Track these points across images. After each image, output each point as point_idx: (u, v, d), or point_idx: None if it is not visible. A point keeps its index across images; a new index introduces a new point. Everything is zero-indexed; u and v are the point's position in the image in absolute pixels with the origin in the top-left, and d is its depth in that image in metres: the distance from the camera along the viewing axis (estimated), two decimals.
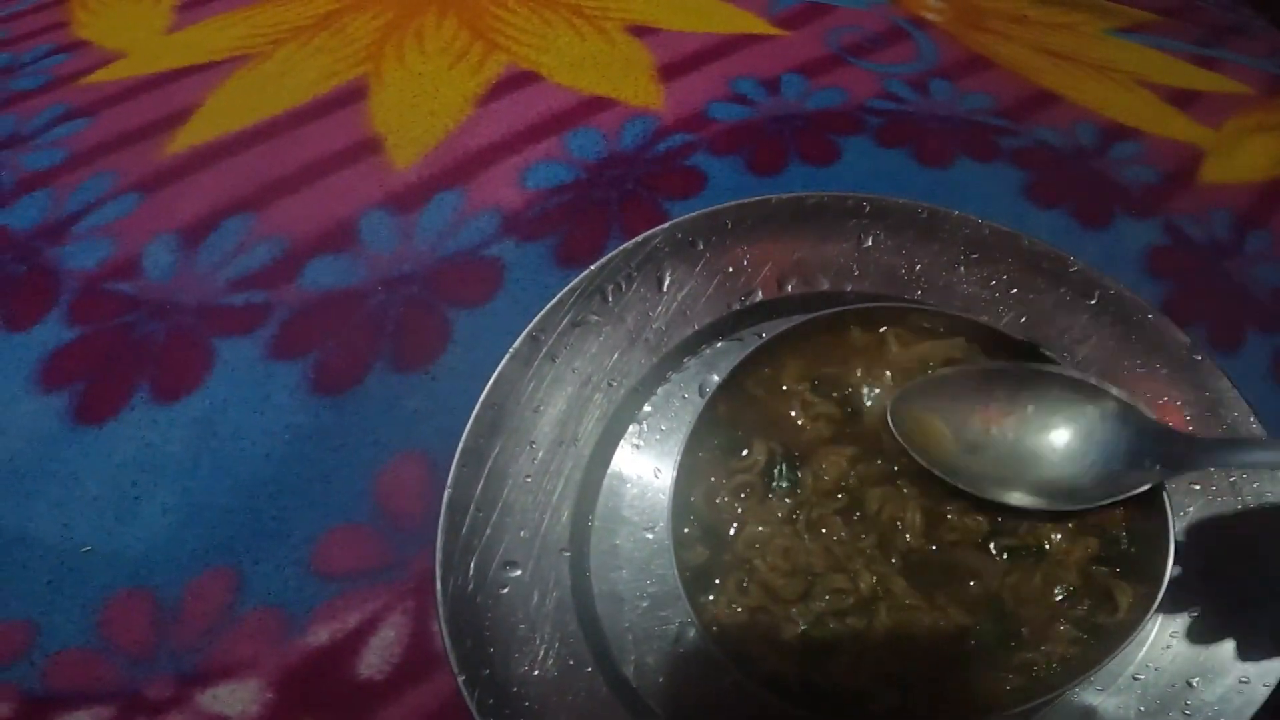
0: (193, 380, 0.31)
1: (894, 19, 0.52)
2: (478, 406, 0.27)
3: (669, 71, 0.44)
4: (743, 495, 0.24)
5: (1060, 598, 0.24)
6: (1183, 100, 0.50)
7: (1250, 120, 0.51)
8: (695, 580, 0.23)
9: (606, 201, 0.36)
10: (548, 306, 0.29)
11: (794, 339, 0.26)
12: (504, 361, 0.28)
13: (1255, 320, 0.38)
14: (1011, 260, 0.34)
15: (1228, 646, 0.26)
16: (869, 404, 0.26)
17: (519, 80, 0.43)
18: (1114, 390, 0.25)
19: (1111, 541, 0.25)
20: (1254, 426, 0.30)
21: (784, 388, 0.26)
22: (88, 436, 0.30)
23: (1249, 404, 0.30)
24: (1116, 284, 0.33)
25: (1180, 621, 0.26)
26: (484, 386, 0.27)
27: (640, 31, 0.46)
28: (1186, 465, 0.23)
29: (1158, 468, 0.23)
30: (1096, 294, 0.33)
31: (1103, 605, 0.24)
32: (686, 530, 0.24)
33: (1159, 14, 0.61)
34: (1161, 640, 0.25)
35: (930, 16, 0.54)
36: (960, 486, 0.24)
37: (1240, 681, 0.25)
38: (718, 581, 0.23)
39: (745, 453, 0.25)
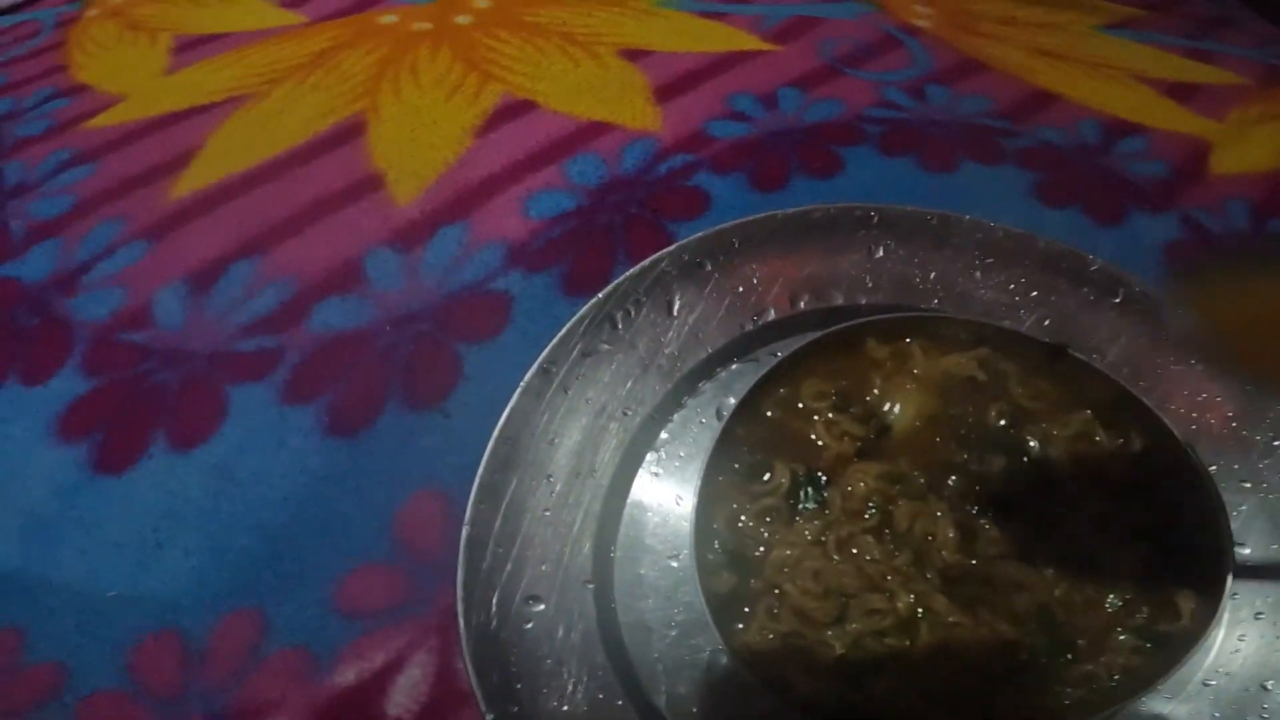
0: (208, 427, 0.32)
1: (884, 27, 0.53)
2: (491, 442, 0.27)
3: (665, 93, 0.45)
4: (768, 519, 0.24)
5: (1116, 607, 0.24)
6: (1182, 93, 0.50)
7: (1253, 111, 0.51)
8: (724, 608, 0.23)
9: (610, 227, 0.37)
10: (557, 338, 0.29)
11: (808, 357, 0.26)
12: (516, 396, 0.28)
13: None
14: (1029, 262, 0.34)
15: None
16: (893, 418, 0.26)
17: (516, 109, 0.44)
18: None
19: (1165, 547, 0.25)
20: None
21: (802, 407, 0.26)
22: (108, 485, 0.30)
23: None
24: (1140, 281, 0.33)
25: (1247, 623, 0.25)
26: (498, 421, 0.27)
27: (633, 55, 0.47)
28: None
29: None
30: (1120, 292, 0.33)
31: (1164, 612, 0.24)
32: (711, 557, 0.24)
33: (1145, 8, 0.62)
34: (1229, 644, 0.25)
35: (919, 23, 0.55)
36: None
37: None
38: (747, 609, 0.23)
39: (767, 476, 0.25)
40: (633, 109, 0.44)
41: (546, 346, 0.30)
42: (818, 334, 0.26)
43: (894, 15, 0.55)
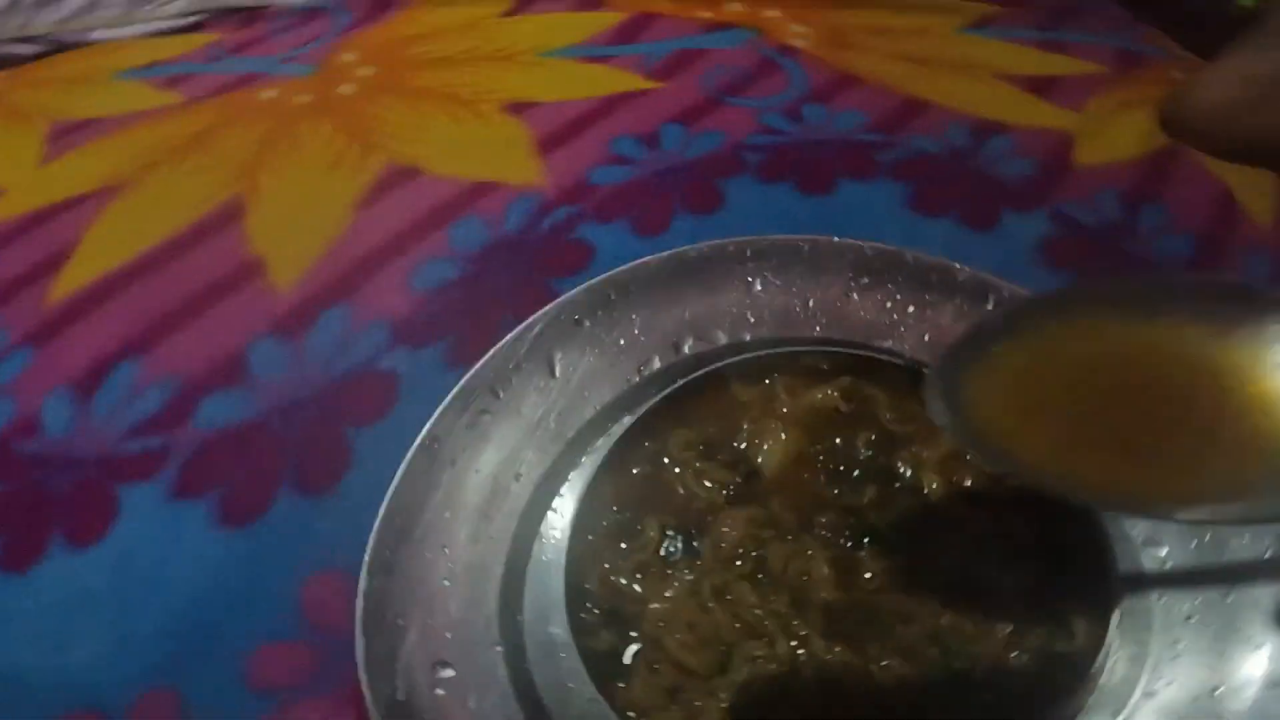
0: (102, 527, 0.33)
1: (763, 51, 0.56)
2: (379, 520, 0.29)
3: (548, 144, 0.46)
4: (639, 575, 0.26)
5: (1008, 630, 0.25)
6: (1041, 87, 0.54)
7: (1111, 98, 0.55)
8: (606, 667, 0.24)
9: (496, 292, 0.38)
10: (437, 413, 0.31)
11: (670, 408, 0.27)
12: (400, 474, 0.30)
13: None
14: (901, 279, 0.36)
15: (1240, 649, 0.25)
16: (762, 461, 0.28)
17: (399, 177, 0.45)
18: None
19: (1051, 564, 0.26)
20: None
21: (668, 459, 0.27)
22: (12, 583, 0.32)
23: None
24: (1008, 284, 0.36)
25: (1179, 628, 0.26)
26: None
27: (518, 109, 0.49)
28: None
29: None
30: (991, 298, 0.36)
31: (1057, 632, 0.25)
32: (586, 618, 0.25)
33: (1001, 3, 0.65)
34: (1167, 652, 0.25)
35: (797, 43, 0.58)
36: (1100, 506, 0.21)
37: (1273, 685, 0.24)
38: (628, 664, 0.25)
39: (637, 531, 0.26)
40: (516, 165, 0.45)
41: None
42: (675, 386, 0.28)
43: (773, 38, 0.58)
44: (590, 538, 0.26)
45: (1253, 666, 0.25)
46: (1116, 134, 0.52)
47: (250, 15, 0.59)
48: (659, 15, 0.59)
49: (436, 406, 0.32)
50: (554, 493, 0.30)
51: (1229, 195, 0.48)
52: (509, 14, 0.59)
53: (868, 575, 0.26)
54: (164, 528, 0.32)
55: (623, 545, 0.26)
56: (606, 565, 0.26)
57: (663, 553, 0.26)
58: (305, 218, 0.43)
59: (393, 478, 0.30)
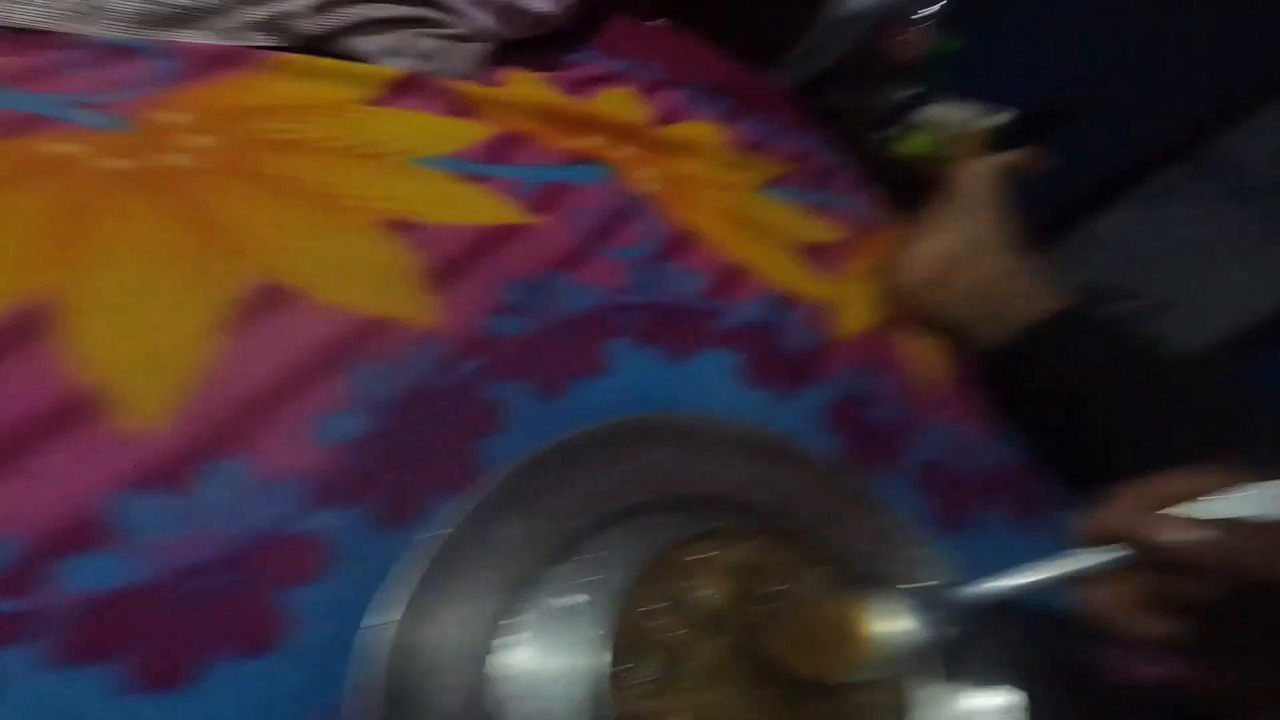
0: None
1: (622, 194, 0.64)
2: (354, 685, 0.33)
3: (439, 278, 0.48)
4: (651, 698, 0.35)
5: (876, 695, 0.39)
6: (814, 256, 0.67)
7: (855, 267, 0.70)
8: None
9: (416, 451, 0.40)
10: (390, 581, 0.35)
11: (644, 571, 0.37)
12: (361, 643, 0.34)
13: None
14: (753, 449, 0.49)
15: (976, 689, 0.42)
16: (711, 604, 0.38)
17: (274, 297, 0.42)
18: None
19: None
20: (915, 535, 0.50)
21: (643, 610, 0.37)
22: None
23: (906, 521, 0.50)
24: (815, 452, 0.51)
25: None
26: (348, 658, 0.33)
27: (400, 227, 0.49)
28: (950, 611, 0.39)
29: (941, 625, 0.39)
30: (807, 464, 0.51)
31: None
32: None
33: (784, 161, 0.80)
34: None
35: (649, 187, 0.67)
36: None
37: (1003, 713, 0.42)
38: None
39: (639, 666, 0.35)
40: (409, 300, 0.46)
41: (379, 586, 0.35)
42: (643, 558, 0.38)
43: (629, 180, 0.66)
44: (600, 675, 0.34)
45: (986, 698, 0.43)
46: (859, 305, 0.69)
47: (24, 40, 0.47)
48: (525, 136, 0.64)
49: (376, 569, 0.36)
50: (503, 636, 0.37)
51: (926, 366, 0.70)
52: (373, 102, 0.57)
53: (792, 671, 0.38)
54: (54, 695, 0.29)
55: (631, 678, 0.35)
56: (622, 692, 0.34)
57: (663, 678, 0.35)
58: (157, 336, 0.38)
59: (345, 636, 0.34)
